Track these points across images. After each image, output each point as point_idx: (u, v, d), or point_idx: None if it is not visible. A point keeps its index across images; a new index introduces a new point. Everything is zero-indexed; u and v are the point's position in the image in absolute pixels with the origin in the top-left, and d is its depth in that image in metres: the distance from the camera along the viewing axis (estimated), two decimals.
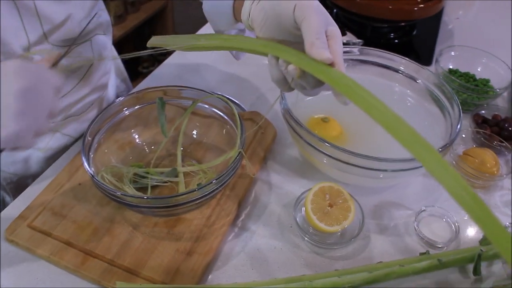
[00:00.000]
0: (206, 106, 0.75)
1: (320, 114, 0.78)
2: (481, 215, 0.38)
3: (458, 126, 0.70)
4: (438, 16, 1.18)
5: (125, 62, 0.97)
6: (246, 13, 0.57)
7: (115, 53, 0.87)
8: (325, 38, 0.49)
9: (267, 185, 0.75)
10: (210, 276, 0.62)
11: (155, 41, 0.58)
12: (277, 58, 0.52)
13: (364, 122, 0.78)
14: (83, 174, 0.70)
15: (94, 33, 0.72)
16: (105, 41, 0.77)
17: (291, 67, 0.50)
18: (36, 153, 0.76)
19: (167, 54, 0.93)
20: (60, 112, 0.74)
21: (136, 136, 0.75)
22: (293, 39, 0.53)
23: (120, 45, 0.87)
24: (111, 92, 0.88)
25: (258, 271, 0.63)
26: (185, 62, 1.00)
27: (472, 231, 0.71)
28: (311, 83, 0.51)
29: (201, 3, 0.64)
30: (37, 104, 0.52)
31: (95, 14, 0.71)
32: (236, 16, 0.61)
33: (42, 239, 0.62)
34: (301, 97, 0.79)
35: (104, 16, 0.76)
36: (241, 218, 0.69)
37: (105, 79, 0.81)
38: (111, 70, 0.86)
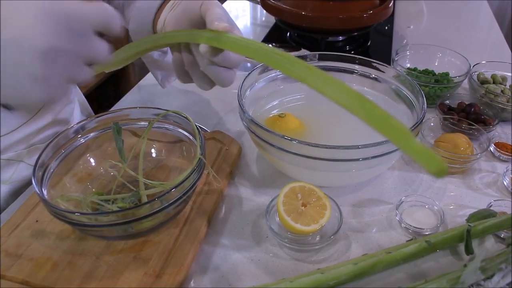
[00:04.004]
0: (167, 126, 0.72)
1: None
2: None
3: (424, 105, 0.68)
4: (390, 26, 1.20)
5: (90, 100, 0.99)
6: (162, 21, 0.65)
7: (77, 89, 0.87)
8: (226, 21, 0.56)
9: (237, 199, 0.70)
10: None
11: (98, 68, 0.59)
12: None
13: (321, 116, 0.77)
14: (41, 211, 0.65)
15: None
16: None
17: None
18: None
19: None
20: (22, 141, 0.72)
21: (95, 165, 0.71)
22: None
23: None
24: None
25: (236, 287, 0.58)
26: (139, 98, 0.99)
27: (458, 213, 0.68)
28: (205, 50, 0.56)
29: None
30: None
31: None
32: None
33: None
34: (258, 107, 0.78)
35: None
36: (212, 235, 0.65)
37: (69, 110, 0.80)
38: (74, 102, 0.85)
